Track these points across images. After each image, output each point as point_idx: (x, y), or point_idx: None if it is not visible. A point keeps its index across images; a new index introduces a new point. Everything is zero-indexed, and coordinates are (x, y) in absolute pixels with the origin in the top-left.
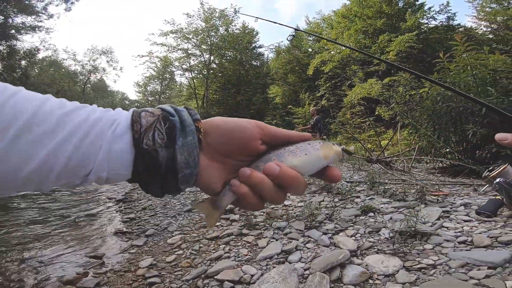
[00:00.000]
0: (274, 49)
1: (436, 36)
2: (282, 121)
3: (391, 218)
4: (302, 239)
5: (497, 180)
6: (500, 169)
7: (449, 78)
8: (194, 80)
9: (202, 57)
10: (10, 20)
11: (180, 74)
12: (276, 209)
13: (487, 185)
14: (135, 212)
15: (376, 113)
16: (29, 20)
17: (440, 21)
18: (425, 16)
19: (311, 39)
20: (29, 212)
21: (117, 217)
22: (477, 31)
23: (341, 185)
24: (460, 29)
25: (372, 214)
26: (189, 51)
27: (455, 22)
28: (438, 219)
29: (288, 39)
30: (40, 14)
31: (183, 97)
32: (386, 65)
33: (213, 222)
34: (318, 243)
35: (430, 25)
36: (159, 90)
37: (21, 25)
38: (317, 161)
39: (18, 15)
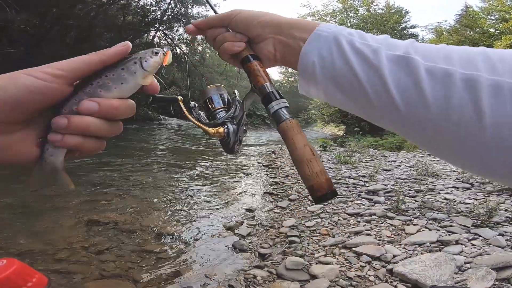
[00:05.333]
0: (432, 30)
1: None
2: None
3: None
4: (466, 235)
5: None
6: None
7: None
8: None
9: None
10: (190, 11)
11: None
12: (434, 200)
13: None
14: (279, 177)
15: None
16: (200, 9)
17: None
18: None
19: (492, 18)
20: (201, 168)
21: (265, 179)
22: None
23: None
24: None
25: None
26: None
27: None
28: None
29: None
30: (206, 4)
31: None
32: None
33: (68, 182)
34: (490, 242)
35: None
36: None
37: (197, 15)
38: (135, 87)
39: (194, 6)
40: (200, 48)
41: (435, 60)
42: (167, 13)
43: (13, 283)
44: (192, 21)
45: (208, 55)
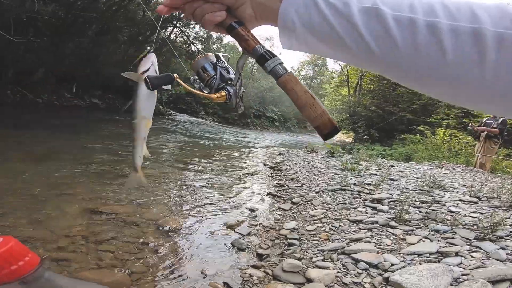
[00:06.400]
0: None
1: None
2: (458, 123)
3: None
4: (467, 247)
5: None
6: None
7: None
8: (348, 68)
9: None
10: None
11: (334, 61)
12: (438, 212)
13: None
14: (283, 180)
15: None
16: None
17: None
18: None
19: None
20: (206, 165)
21: (269, 181)
22: None
23: None
24: None
25: None
26: None
27: None
28: None
29: None
30: None
31: (333, 83)
32: None
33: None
34: (490, 255)
35: None
36: (311, 75)
37: None
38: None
39: None
40: (214, 46)
41: (400, 9)
42: None
43: (6, 261)
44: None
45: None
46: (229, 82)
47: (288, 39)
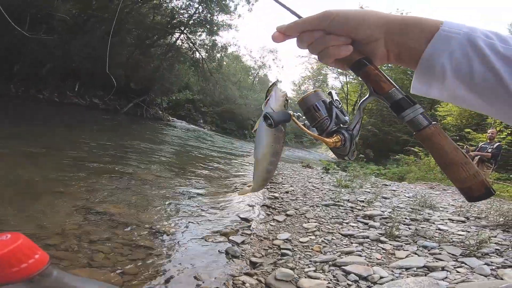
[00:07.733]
0: None
1: None
2: None
3: None
4: (453, 262)
5: None
6: None
7: None
8: (348, 85)
9: None
10: (215, 18)
11: (334, 78)
12: (427, 229)
13: None
14: (278, 192)
15: None
16: (225, 18)
17: None
18: None
19: None
20: (203, 172)
21: (264, 193)
22: None
23: None
24: None
25: None
26: None
27: None
28: None
29: None
30: (232, 14)
31: None
32: None
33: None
34: (474, 270)
35: None
36: (312, 90)
37: (221, 22)
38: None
39: (220, 14)
40: (218, 55)
41: None
42: (193, 18)
43: (16, 259)
44: (277, 26)
45: (225, 63)
46: (341, 125)
47: (426, 84)
